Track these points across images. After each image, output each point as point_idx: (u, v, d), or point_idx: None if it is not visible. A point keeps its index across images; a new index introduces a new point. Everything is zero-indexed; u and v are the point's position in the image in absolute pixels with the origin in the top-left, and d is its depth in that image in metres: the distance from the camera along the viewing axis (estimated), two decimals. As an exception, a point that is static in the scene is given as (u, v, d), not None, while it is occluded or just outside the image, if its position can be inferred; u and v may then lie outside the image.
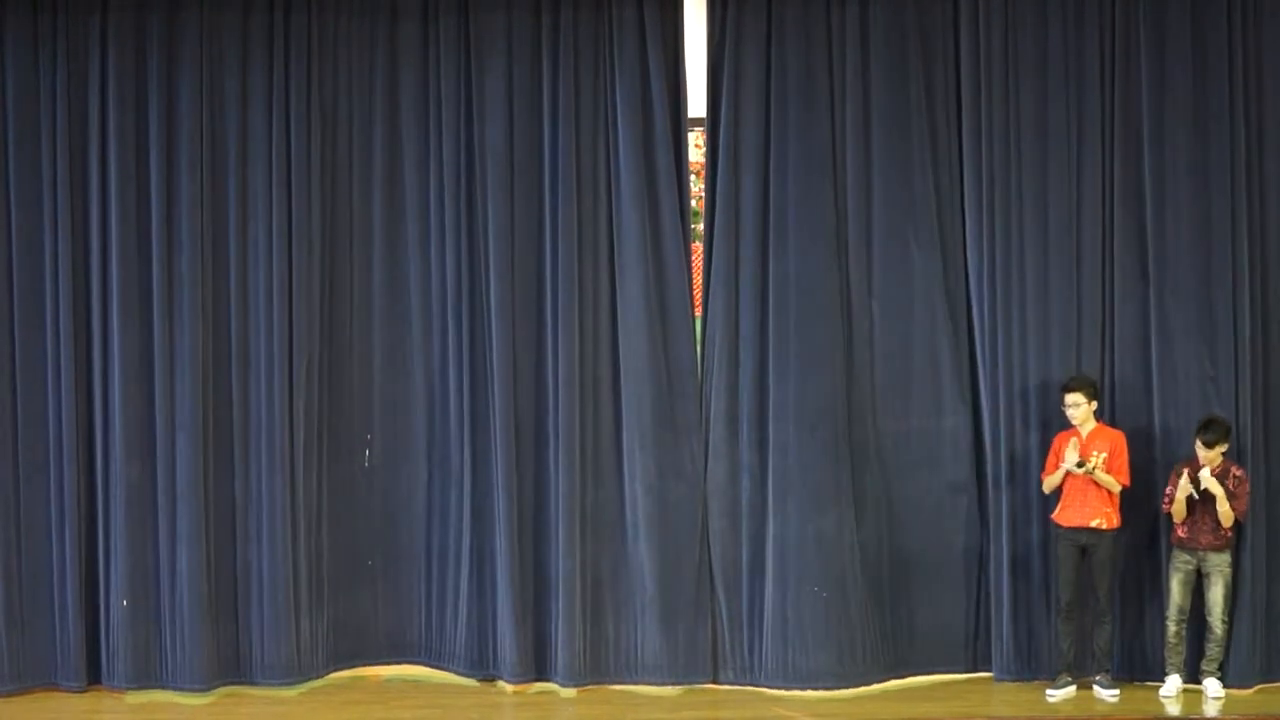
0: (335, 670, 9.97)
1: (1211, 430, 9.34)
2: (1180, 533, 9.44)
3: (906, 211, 9.85)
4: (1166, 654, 9.52)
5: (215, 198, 9.82)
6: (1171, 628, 9.48)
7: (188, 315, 9.73)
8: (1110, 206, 9.77)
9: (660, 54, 9.84)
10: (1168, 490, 9.49)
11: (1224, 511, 9.33)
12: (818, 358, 9.87)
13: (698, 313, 10.05)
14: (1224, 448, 9.39)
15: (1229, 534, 9.43)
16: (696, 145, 10.22)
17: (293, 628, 9.81)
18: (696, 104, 10.00)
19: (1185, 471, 9.37)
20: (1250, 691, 9.56)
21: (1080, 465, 9.36)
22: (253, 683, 9.80)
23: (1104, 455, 9.41)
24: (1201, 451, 9.35)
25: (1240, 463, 9.53)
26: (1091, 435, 9.51)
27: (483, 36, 9.88)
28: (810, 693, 9.72)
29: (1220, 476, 9.36)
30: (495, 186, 9.89)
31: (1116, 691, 9.47)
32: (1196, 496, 9.32)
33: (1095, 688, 9.50)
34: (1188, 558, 9.44)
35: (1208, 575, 9.42)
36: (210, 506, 9.79)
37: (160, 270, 9.73)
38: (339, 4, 9.91)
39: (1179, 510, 9.39)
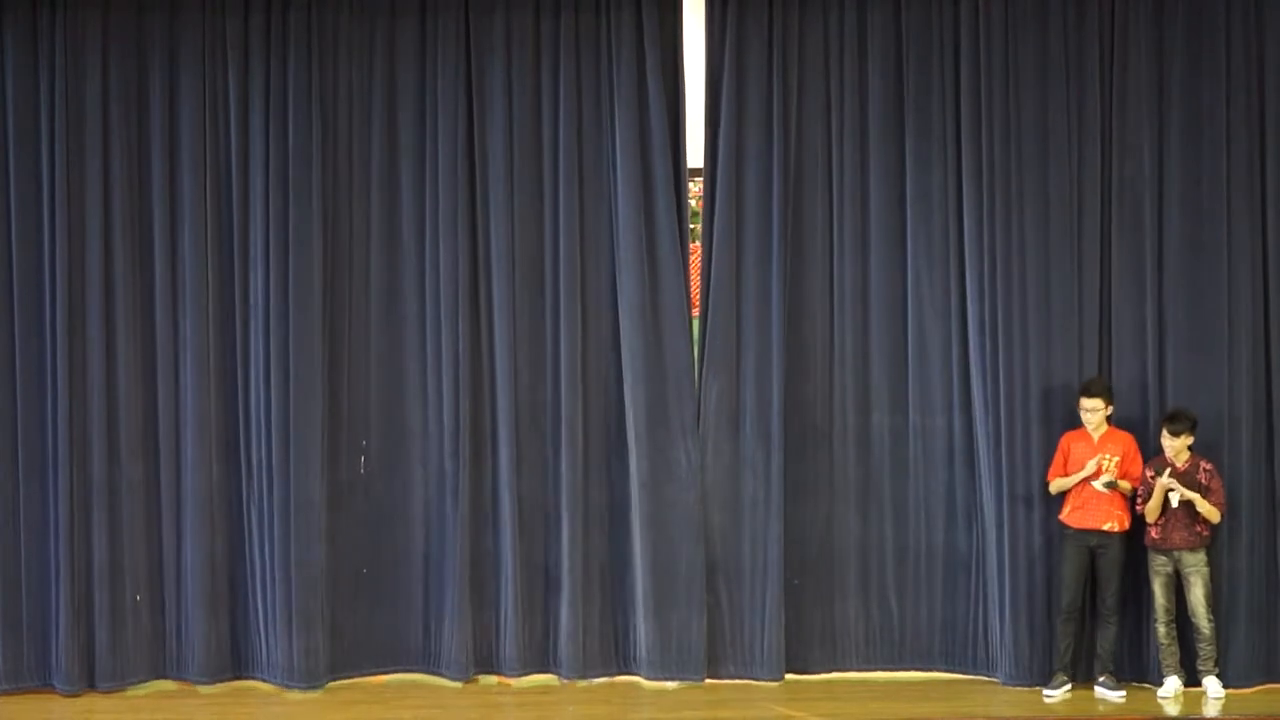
0: (333, 679, 9.90)
1: (1177, 420, 9.35)
2: (1154, 534, 9.44)
3: (906, 211, 9.86)
4: (1161, 656, 9.51)
5: (215, 198, 9.80)
6: (1161, 629, 9.48)
7: (188, 315, 9.73)
8: (1110, 206, 9.79)
9: (658, 55, 9.85)
10: (1139, 490, 9.49)
11: (1207, 510, 9.34)
12: (816, 357, 9.93)
13: (695, 313, 10.06)
14: (1189, 440, 9.38)
15: (1204, 532, 9.43)
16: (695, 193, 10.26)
17: (289, 634, 9.77)
18: (696, 114, 10.01)
19: (1166, 471, 9.36)
20: (1250, 691, 9.57)
21: (1111, 484, 9.35)
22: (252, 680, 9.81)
23: (1116, 459, 9.43)
24: (1167, 441, 9.36)
25: (1238, 460, 9.58)
26: (1103, 439, 9.52)
27: (482, 37, 9.88)
28: (804, 677, 9.88)
29: (1190, 472, 9.38)
30: (495, 187, 9.90)
31: (1122, 693, 9.46)
32: (1175, 505, 9.33)
33: (1098, 689, 9.51)
34: (1164, 559, 9.44)
35: (1186, 577, 9.41)
36: (208, 509, 9.77)
37: (161, 270, 9.73)
38: (339, 3, 9.90)
39: (1154, 509, 9.39)
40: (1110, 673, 9.52)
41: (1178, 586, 9.46)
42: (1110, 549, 9.46)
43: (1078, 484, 9.48)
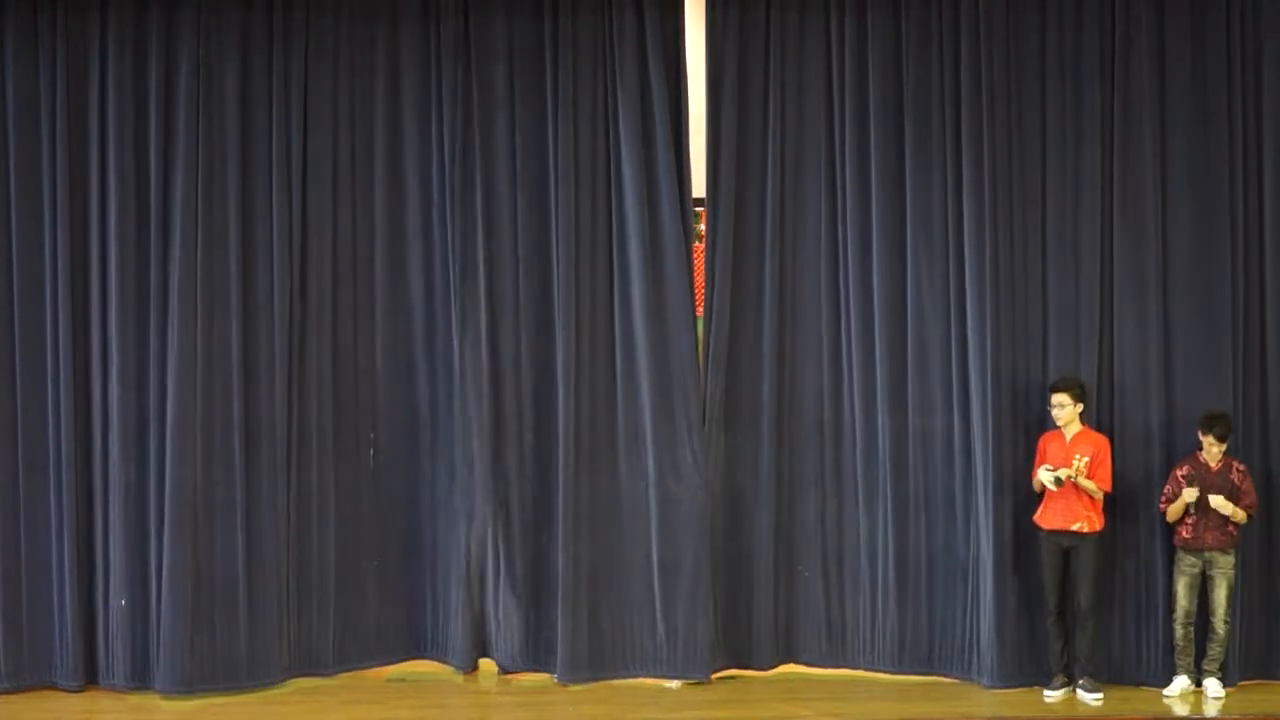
0: (341, 669, 10.00)
1: (1221, 424, 9.33)
2: (1184, 533, 9.42)
3: (906, 211, 9.85)
4: (1176, 656, 9.51)
5: (215, 197, 9.80)
6: (1179, 630, 9.47)
7: (189, 314, 9.71)
8: (1110, 206, 9.76)
9: (660, 55, 9.85)
10: (1166, 489, 9.49)
11: (1234, 513, 9.34)
12: (816, 356, 9.95)
13: (699, 312, 10.07)
14: (1225, 445, 9.39)
15: (1235, 533, 9.42)
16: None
17: (295, 626, 9.86)
18: (696, 122, 10.01)
19: (1189, 473, 9.34)
20: (1233, 688, 9.56)
21: (1057, 481, 9.32)
22: (255, 681, 9.78)
23: (1085, 459, 9.39)
24: (1214, 447, 9.33)
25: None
26: (1076, 438, 9.49)
27: (484, 36, 9.90)
28: (801, 668, 9.95)
29: (1223, 471, 9.37)
30: (497, 188, 9.92)
31: (1100, 695, 9.42)
32: (1192, 512, 9.34)
33: (1078, 691, 9.48)
34: (1193, 560, 9.42)
35: (1212, 577, 9.40)
36: (212, 506, 9.77)
37: (159, 269, 9.73)
38: (339, 6, 9.92)
39: (1175, 511, 9.39)
40: (1090, 675, 9.49)
41: (1199, 588, 9.44)
42: (1083, 550, 9.44)
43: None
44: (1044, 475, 9.37)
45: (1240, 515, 9.36)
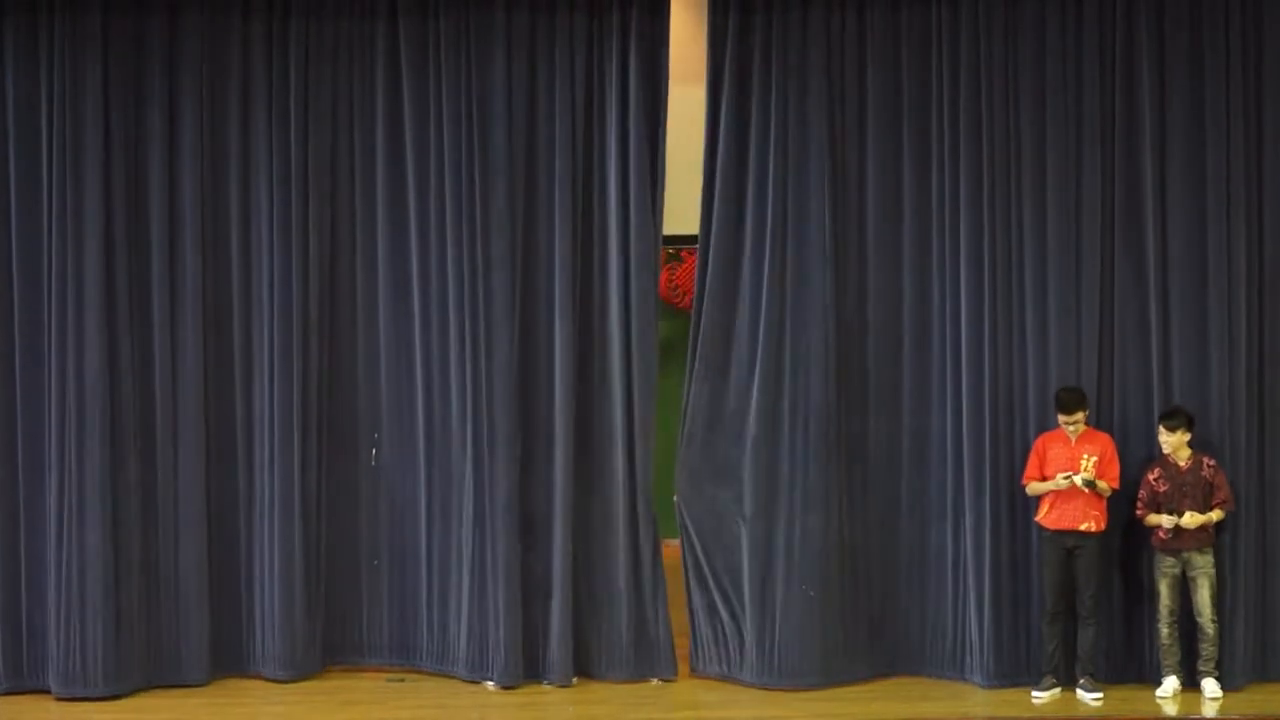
0: (334, 666, 10.06)
1: (1173, 416, 9.39)
2: (1161, 534, 9.45)
3: (904, 212, 9.86)
4: (1161, 656, 9.51)
5: (216, 197, 9.83)
6: (1164, 630, 9.48)
7: (189, 315, 9.75)
8: (1110, 206, 9.77)
9: (646, 54, 9.84)
10: (1141, 493, 9.51)
11: (1215, 518, 9.39)
12: (808, 357, 9.90)
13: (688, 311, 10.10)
14: (1186, 436, 9.40)
15: (1212, 531, 9.44)
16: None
17: (294, 626, 9.86)
18: (688, 113, 9.99)
19: (1161, 475, 9.41)
20: (1242, 691, 9.56)
21: (1090, 483, 9.33)
22: (253, 675, 9.85)
23: (1094, 459, 9.41)
24: (1164, 436, 9.40)
25: (1234, 460, 9.58)
26: (1081, 439, 9.50)
27: (481, 35, 9.88)
28: (791, 691, 9.76)
29: (1193, 469, 9.40)
30: (496, 188, 9.88)
31: (1100, 695, 9.42)
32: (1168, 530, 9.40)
33: (1079, 691, 9.47)
34: (1171, 560, 9.45)
35: (1193, 578, 9.42)
36: (211, 505, 9.81)
37: (161, 270, 9.75)
38: (339, 7, 9.92)
39: (1154, 520, 9.45)
40: (1090, 674, 9.50)
41: (1183, 586, 9.46)
42: (1087, 550, 9.45)
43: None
44: (1078, 482, 9.33)
45: (1215, 516, 9.41)
